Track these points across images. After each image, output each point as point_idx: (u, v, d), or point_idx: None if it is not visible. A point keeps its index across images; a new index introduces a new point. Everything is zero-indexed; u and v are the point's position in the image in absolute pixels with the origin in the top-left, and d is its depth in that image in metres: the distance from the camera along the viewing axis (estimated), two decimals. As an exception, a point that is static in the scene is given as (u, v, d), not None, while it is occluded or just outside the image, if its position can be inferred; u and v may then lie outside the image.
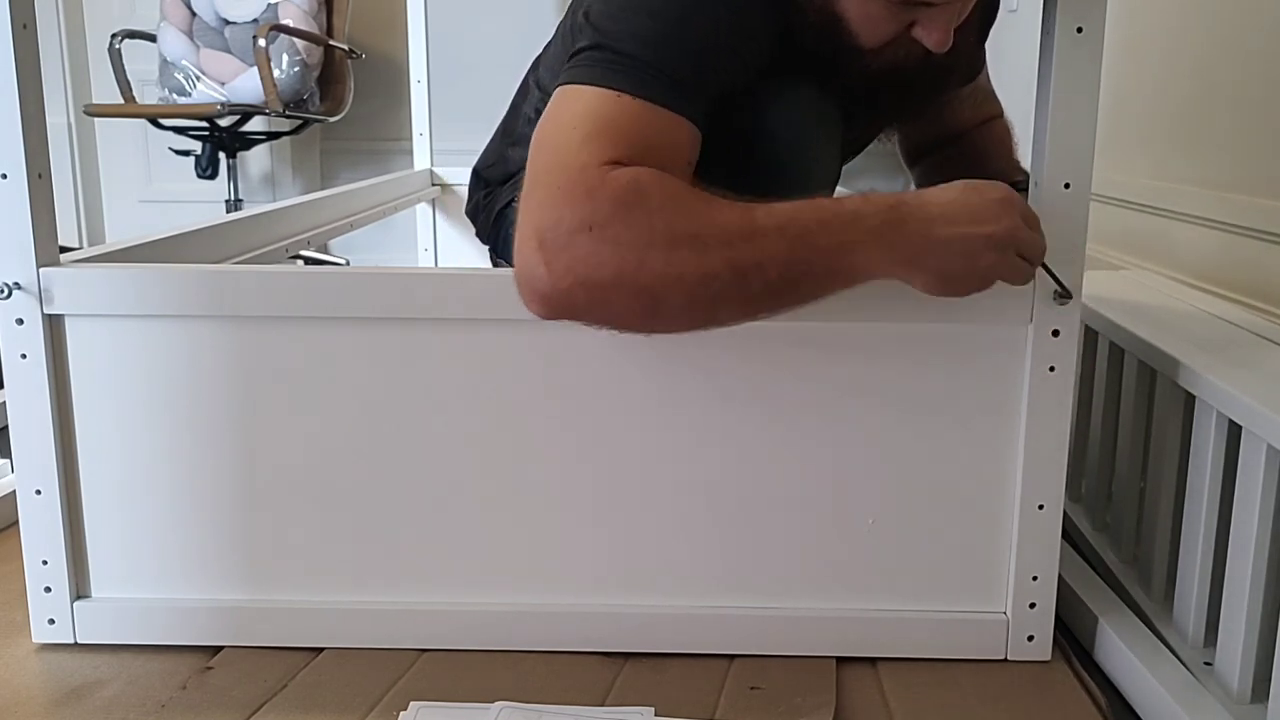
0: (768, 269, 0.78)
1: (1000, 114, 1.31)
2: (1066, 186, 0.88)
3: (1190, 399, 0.95)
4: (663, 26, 0.85)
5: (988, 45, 1.25)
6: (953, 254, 0.81)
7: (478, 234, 1.31)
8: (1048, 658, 0.97)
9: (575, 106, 0.83)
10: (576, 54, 0.86)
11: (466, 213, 1.32)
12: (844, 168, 1.22)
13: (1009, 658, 0.97)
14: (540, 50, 1.26)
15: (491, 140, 1.31)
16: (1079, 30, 0.85)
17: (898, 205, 0.81)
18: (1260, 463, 0.83)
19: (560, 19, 1.19)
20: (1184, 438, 0.98)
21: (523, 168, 1.18)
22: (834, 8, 0.92)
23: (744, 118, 0.93)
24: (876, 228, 0.80)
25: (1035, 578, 0.96)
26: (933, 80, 1.08)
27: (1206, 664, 0.91)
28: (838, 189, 1.10)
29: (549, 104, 0.85)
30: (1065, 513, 1.24)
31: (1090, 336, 1.21)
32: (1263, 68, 1.48)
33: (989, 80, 1.28)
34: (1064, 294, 0.89)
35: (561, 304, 0.78)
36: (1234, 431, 0.88)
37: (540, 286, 0.77)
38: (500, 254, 1.27)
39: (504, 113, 1.32)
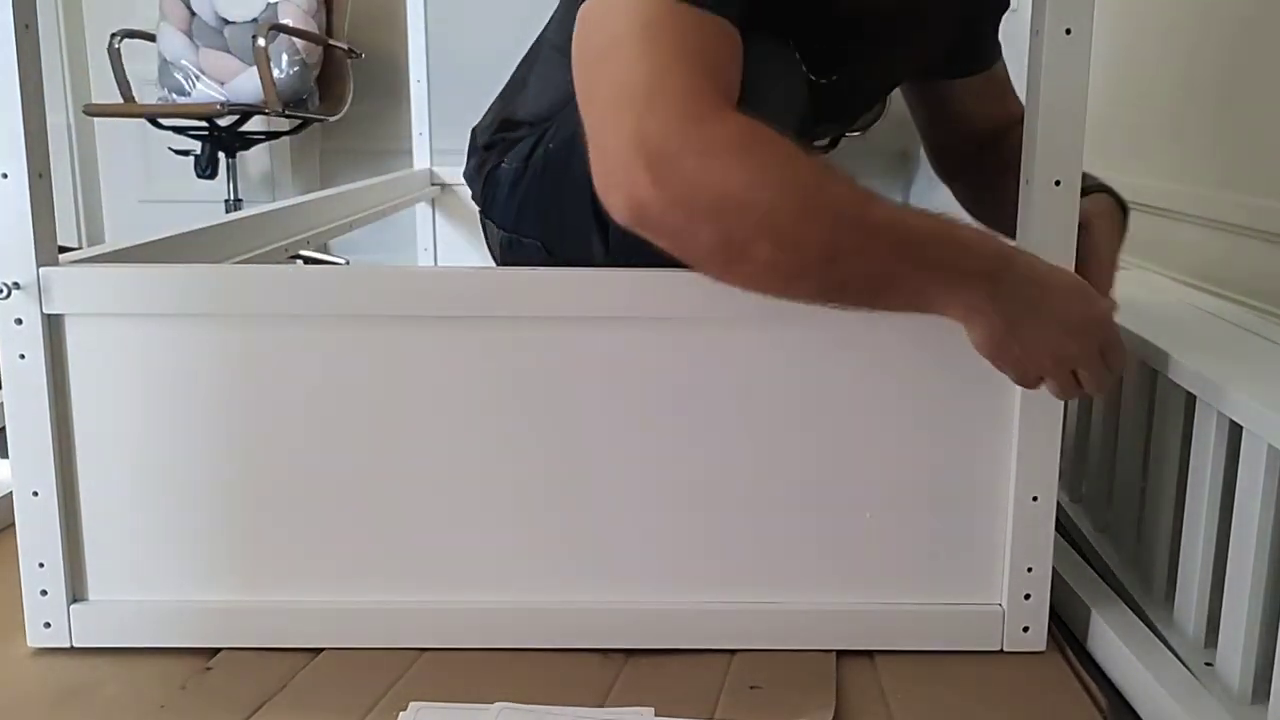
0: (858, 263, 0.76)
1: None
2: (1057, 184, 0.89)
3: (1191, 399, 0.95)
4: None
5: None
6: (1021, 334, 0.81)
7: (472, 196, 1.30)
8: (1043, 648, 0.98)
9: (629, 13, 0.78)
10: None
11: (464, 174, 1.31)
12: (840, 163, 1.20)
13: (1005, 649, 0.98)
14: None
15: (491, 106, 1.30)
16: (1068, 32, 0.86)
17: (1010, 262, 0.80)
18: (1261, 463, 0.83)
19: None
20: (1184, 438, 0.98)
21: (509, 132, 1.12)
22: None
23: None
24: (978, 272, 0.79)
25: (1030, 569, 0.96)
26: (913, 32, 1.05)
27: (1207, 664, 0.91)
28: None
29: (585, 14, 0.81)
30: (1066, 513, 1.25)
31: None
32: (1263, 67, 1.48)
33: (1009, 78, 1.23)
34: None
35: (653, 217, 0.75)
36: (1234, 432, 0.88)
37: (636, 193, 0.74)
38: (487, 214, 1.26)
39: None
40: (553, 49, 1.17)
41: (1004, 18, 1.22)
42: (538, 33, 1.22)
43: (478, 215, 1.29)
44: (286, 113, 2.82)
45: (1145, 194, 1.83)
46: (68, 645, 0.98)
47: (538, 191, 1.13)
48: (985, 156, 1.20)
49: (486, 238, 1.28)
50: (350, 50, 2.97)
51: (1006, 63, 1.23)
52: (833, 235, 0.75)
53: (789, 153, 0.75)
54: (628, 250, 0.85)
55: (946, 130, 1.25)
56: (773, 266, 0.76)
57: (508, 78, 1.28)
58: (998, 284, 0.79)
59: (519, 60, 1.27)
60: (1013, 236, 1.08)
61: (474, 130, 1.29)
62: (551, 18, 1.21)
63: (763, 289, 0.79)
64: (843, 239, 0.75)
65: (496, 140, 1.22)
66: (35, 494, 0.95)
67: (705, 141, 0.73)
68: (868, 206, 0.76)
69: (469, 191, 1.32)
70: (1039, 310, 0.80)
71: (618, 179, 0.75)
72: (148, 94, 2.99)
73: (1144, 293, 1.32)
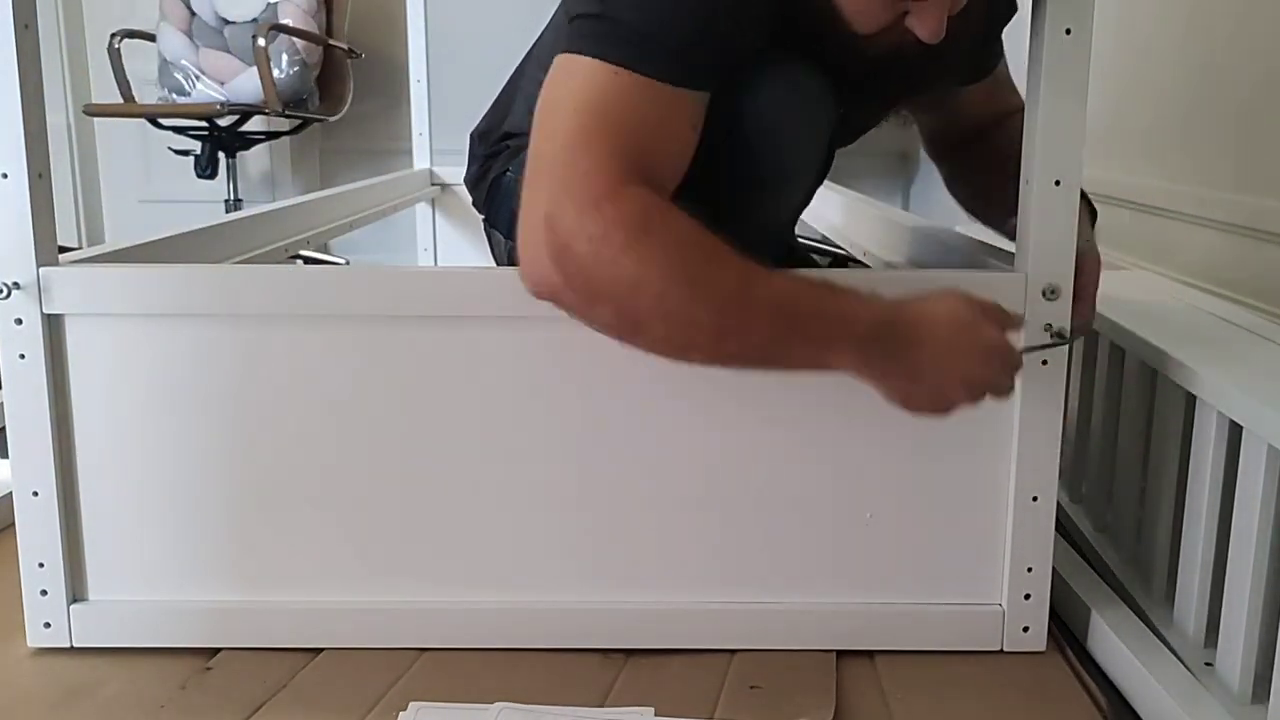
0: (747, 338, 0.81)
1: (1021, 107, 1.25)
2: (1056, 184, 0.89)
3: (1191, 399, 0.95)
4: None
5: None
6: (922, 384, 0.84)
7: (473, 203, 1.30)
8: (1043, 648, 0.98)
9: (573, 83, 0.83)
10: (577, 18, 0.86)
11: (464, 181, 1.32)
12: (840, 163, 1.20)
13: (1005, 649, 0.98)
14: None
15: (488, 111, 1.30)
16: (1068, 32, 0.86)
17: (890, 322, 0.83)
18: (1261, 463, 0.83)
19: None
20: (1184, 438, 0.98)
21: (510, 141, 1.13)
22: None
23: (733, 91, 0.93)
24: (861, 336, 0.82)
25: (1030, 569, 0.97)
26: (930, 69, 1.07)
27: (1207, 664, 0.91)
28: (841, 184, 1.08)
29: (549, 73, 0.86)
30: (1066, 513, 1.25)
31: (1091, 336, 1.21)
32: (1262, 68, 1.48)
33: (1008, 73, 1.25)
34: (1058, 339, 0.92)
35: (551, 295, 0.81)
36: (1235, 431, 0.88)
37: (537, 273, 0.80)
38: (492, 224, 1.26)
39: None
40: (538, 66, 1.17)
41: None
42: (538, 33, 1.22)
43: (480, 220, 1.29)
44: (286, 113, 2.82)
45: (1146, 194, 1.83)
46: (68, 645, 0.98)
47: None
48: (976, 146, 1.21)
49: (491, 246, 1.27)
50: (350, 50, 2.97)
51: (1007, 60, 1.23)
52: (719, 317, 0.80)
53: (679, 235, 0.80)
54: None
55: (942, 120, 1.26)
56: (666, 341, 0.82)
57: (507, 79, 1.28)
58: (882, 343, 0.83)
59: (518, 62, 1.27)
60: (995, 224, 1.08)
61: (472, 136, 1.29)
62: (541, 35, 1.21)
63: (661, 356, 0.84)
64: (729, 320, 0.80)
65: (500, 148, 1.22)
66: (35, 494, 0.95)
67: (599, 226, 0.78)
68: (752, 287, 0.80)
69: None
70: (929, 355, 0.83)
71: (526, 254, 0.81)
72: (148, 94, 2.99)
73: (1144, 293, 1.32)
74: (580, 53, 0.84)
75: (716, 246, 0.80)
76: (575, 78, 0.84)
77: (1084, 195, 1.00)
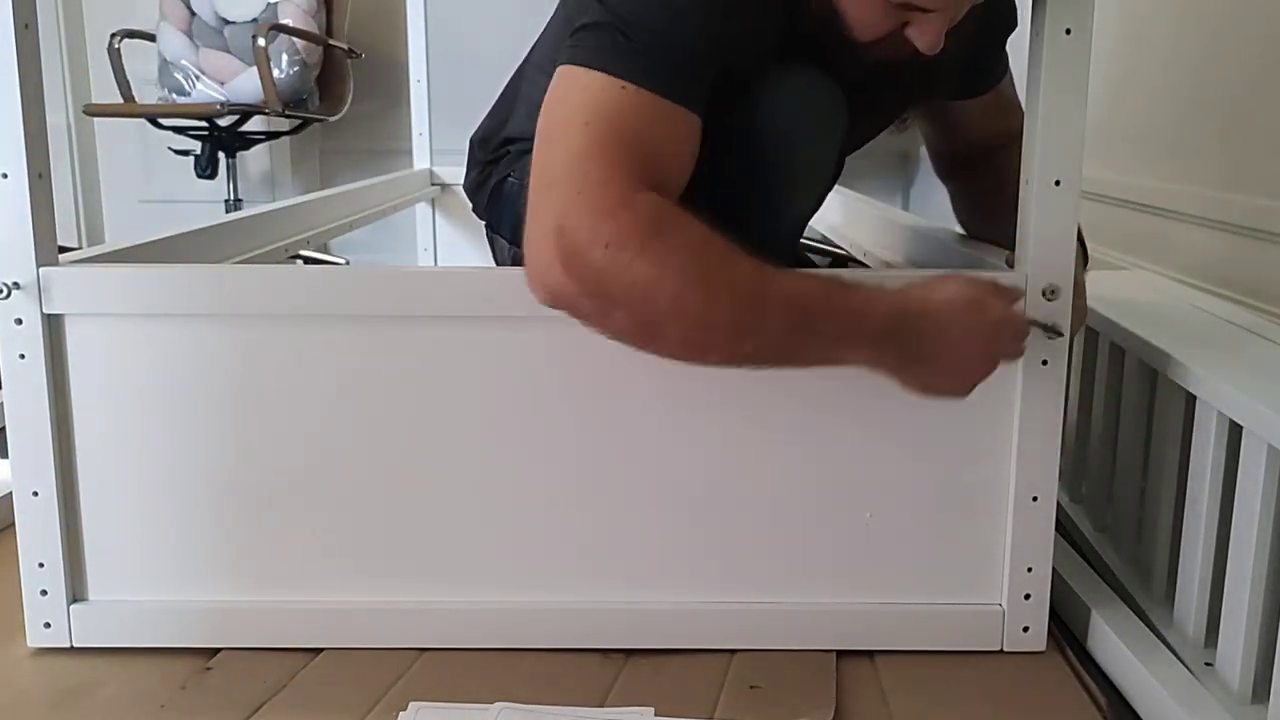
0: (763, 337, 0.82)
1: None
2: (1057, 184, 0.89)
3: (1191, 399, 0.95)
4: (671, 7, 0.86)
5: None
6: (939, 368, 0.86)
7: (474, 209, 1.30)
8: (1043, 648, 0.98)
9: (580, 96, 0.84)
10: (582, 28, 0.87)
11: (464, 187, 1.31)
12: (843, 167, 1.20)
13: (1005, 649, 0.98)
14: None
15: (487, 116, 1.30)
16: (1068, 32, 0.86)
17: (901, 313, 0.84)
18: (1261, 463, 0.83)
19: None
20: (1184, 438, 0.98)
21: (511, 146, 1.13)
22: (832, 1, 0.93)
23: (746, 99, 0.94)
24: (876, 331, 0.84)
25: (1030, 569, 0.97)
26: (926, 80, 1.08)
27: (1207, 664, 0.91)
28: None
29: (553, 83, 0.86)
30: (1066, 513, 1.25)
31: (1090, 336, 1.21)
32: (1262, 68, 1.48)
33: (1015, 93, 1.24)
34: (1053, 332, 0.92)
35: (567, 304, 0.81)
36: (1235, 431, 0.88)
37: (551, 283, 0.80)
38: (495, 229, 1.26)
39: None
40: (538, 70, 1.17)
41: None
42: (537, 34, 1.22)
43: (480, 221, 1.28)
44: (286, 113, 2.82)
45: (1146, 194, 1.83)
46: (68, 645, 0.98)
47: None
48: (981, 168, 1.21)
49: (494, 251, 1.27)
50: (350, 50, 2.97)
51: (1013, 76, 1.22)
52: (736, 316, 0.80)
53: (693, 237, 0.80)
54: None
55: (947, 137, 1.26)
56: (685, 343, 0.82)
57: (506, 81, 1.27)
58: (896, 335, 0.84)
59: (518, 64, 1.26)
60: (998, 245, 1.07)
61: (472, 142, 1.29)
62: (539, 39, 1.21)
63: (679, 359, 0.84)
64: (745, 318, 0.81)
65: (501, 154, 1.22)
66: (35, 494, 0.95)
67: (613, 233, 0.78)
68: (766, 286, 0.81)
69: (469, 195, 1.31)
70: (943, 340, 0.85)
71: (536, 267, 0.81)
72: (148, 94, 2.98)
73: (1144, 293, 1.32)
74: (586, 65, 0.84)
75: (729, 247, 0.80)
76: (582, 90, 0.84)
77: (1080, 238, 1.00)
